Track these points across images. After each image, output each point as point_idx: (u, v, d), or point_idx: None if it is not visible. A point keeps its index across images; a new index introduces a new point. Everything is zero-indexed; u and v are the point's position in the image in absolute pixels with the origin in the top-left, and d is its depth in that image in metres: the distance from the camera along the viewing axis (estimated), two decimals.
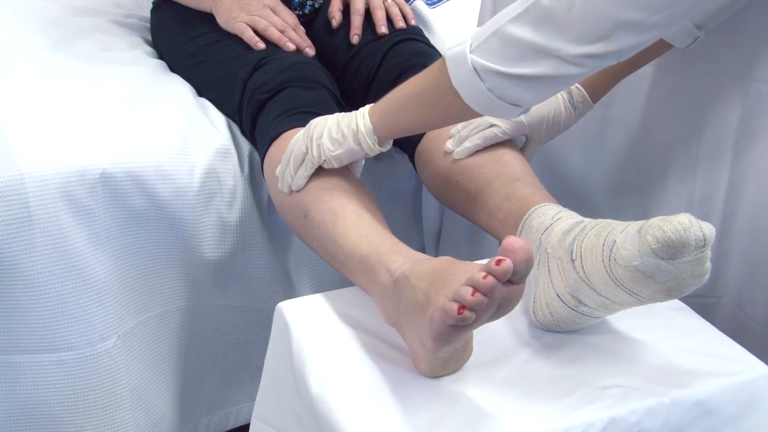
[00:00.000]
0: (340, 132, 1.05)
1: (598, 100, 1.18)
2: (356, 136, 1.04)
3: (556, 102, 1.17)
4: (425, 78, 0.98)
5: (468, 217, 1.18)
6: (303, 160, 1.09)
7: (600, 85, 1.16)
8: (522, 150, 1.20)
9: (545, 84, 0.89)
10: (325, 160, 1.07)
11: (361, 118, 1.04)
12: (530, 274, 0.82)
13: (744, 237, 1.15)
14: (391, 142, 1.06)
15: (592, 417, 0.87)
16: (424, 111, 0.99)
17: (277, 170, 1.13)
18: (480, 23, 1.46)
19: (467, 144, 1.16)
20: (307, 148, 1.08)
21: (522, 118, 1.15)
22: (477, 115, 0.94)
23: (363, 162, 1.14)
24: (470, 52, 0.90)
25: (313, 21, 1.51)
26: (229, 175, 1.28)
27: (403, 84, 1.01)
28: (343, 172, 1.11)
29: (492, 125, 1.15)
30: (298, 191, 1.11)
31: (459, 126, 1.18)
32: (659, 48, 1.11)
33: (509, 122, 1.15)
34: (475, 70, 0.89)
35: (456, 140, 1.18)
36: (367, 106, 1.05)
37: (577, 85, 1.18)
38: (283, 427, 1.01)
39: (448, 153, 1.18)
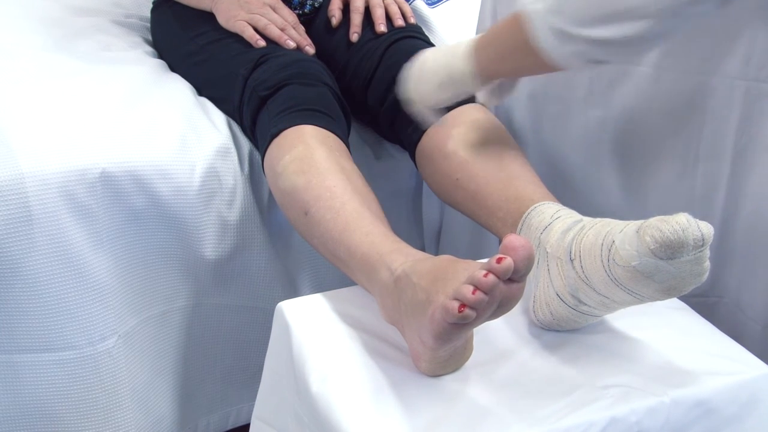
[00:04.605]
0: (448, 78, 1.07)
1: None
2: (463, 80, 1.06)
3: None
4: (512, 35, 0.99)
5: (469, 215, 1.18)
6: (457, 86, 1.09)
7: None
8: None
9: (627, 46, 0.91)
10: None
11: (465, 64, 1.05)
12: (530, 272, 0.82)
13: (744, 237, 1.15)
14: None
15: (592, 417, 0.87)
16: (517, 66, 1.03)
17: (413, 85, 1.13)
18: (480, 24, 1.45)
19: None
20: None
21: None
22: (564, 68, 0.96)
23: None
24: (548, 14, 0.92)
25: (313, 20, 1.51)
26: (230, 174, 1.28)
27: (493, 34, 1.03)
28: (345, 169, 1.11)
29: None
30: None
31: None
32: None
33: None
34: (556, 31, 0.91)
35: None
36: (469, 45, 1.06)
37: None
38: (284, 426, 1.01)
39: (448, 152, 1.18)
